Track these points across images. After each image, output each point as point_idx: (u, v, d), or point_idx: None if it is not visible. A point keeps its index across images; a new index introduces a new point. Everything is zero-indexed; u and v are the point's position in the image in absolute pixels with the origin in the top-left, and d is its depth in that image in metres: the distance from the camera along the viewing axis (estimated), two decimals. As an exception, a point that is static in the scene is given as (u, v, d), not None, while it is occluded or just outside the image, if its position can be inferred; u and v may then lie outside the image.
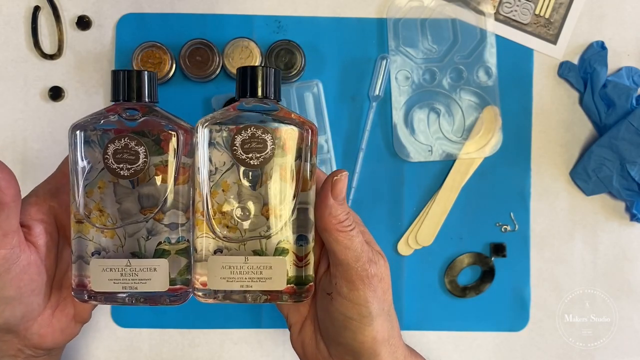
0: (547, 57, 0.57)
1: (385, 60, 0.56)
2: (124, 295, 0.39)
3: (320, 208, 0.38)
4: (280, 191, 0.38)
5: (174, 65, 0.55)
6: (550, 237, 0.57)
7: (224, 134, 0.38)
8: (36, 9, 0.56)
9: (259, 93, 0.39)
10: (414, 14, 0.56)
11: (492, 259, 0.57)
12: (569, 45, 0.57)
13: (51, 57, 0.56)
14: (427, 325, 0.57)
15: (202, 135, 0.38)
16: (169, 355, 0.57)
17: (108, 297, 0.39)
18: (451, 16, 0.56)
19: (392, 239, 0.57)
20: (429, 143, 0.56)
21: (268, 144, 0.37)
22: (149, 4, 0.56)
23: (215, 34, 0.55)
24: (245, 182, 0.38)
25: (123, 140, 0.37)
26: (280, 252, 0.38)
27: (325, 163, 0.56)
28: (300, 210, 0.39)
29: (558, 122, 0.57)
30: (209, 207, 0.38)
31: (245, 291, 0.38)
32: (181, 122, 0.40)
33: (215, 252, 0.38)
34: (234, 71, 0.54)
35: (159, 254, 0.38)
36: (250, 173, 0.38)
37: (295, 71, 0.54)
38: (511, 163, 0.57)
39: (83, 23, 0.56)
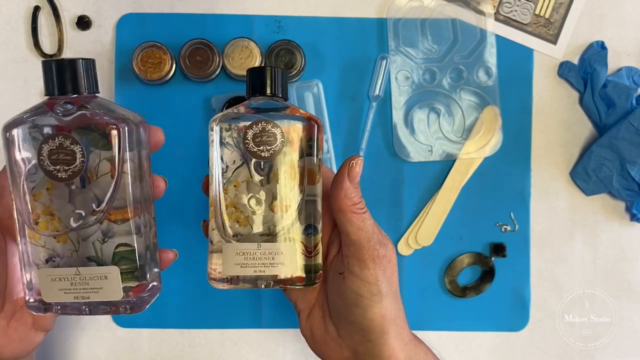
0: (547, 57, 0.57)
1: (385, 60, 0.56)
2: (80, 304, 0.36)
3: (337, 189, 0.40)
4: (289, 184, 0.40)
5: (174, 65, 0.54)
6: (550, 237, 0.57)
7: (234, 133, 0.39)
8: (36, 9, 0.56)
9: (268, 91, 0.41)
10: (414, 14, 0.56)
11: (492, 259, 0.57)
12: (569, 45, 0.57)
13: (51, 57, 0.56)
14: (427, 325, 0.57)
15: (215, 134, 0.39)
16: (169, 355, 0.57)
17: (63, 308, 0.36)
18: (451, 16, 0.56)
19: (392, 239, 0.56)
20: (429, 143, 0.56)
21: (277, 137, 0.39)
22: (149, 4, 0.56)
23: (215, 34, 0.55)
24: (256, 177, 0.40)
25: (57, 140, 0.34)
26: (289, 242, 0.41)
27: (325, 163, 0.56)
28: (308, 203, 0.41)
29: (558, 122, 0.57)
30: (222, 202, 0.40)
31: (257, 277, 0.40)
32: (126, 112, 0.37)
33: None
34: (234, 71, 0.54)
35: (118, 257, 0.36)
36: (261, 166, 0.40)
37: (295, 71, 0.54)
38: (511, 163, 0.57)
39: (83, 23, 0.56)
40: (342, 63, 0.56)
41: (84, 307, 0.36)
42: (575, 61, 0.57)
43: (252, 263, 0.39)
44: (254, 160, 0.39)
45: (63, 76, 0.35)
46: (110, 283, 0.36)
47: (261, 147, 0.39)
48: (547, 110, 0.57)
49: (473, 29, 0.56)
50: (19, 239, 0.36)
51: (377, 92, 0.56)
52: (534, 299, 0.57)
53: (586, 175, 0.56)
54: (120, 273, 0.36)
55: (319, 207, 0.41)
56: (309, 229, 0.41)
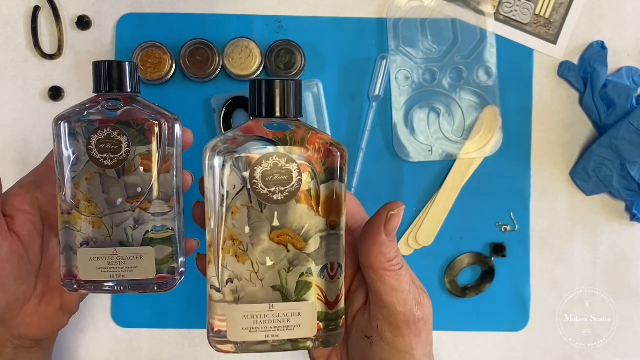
0: (547, 57, 0.57)
1: (385, 60, 0.56)
2: (112, 283, 0.39)
3: (369, 244, 0.33)
4: (307, 216, 0.33)
5: (174, 65, 0.55)
6: (550, 237, 0.57)
7: (235, 155, 0.32)
8: (36, 9, 0.56)
9: (278, 112, 0.32)
10: (414, 14, 0.56)
11: (492, 259, 0.57)
12: (569, 45, 0.57)
13: (51, 57, 0.56)
14: (427, 325, 0.57)
15: (215, 162, 0.32)
16: (169, 355, 0.57)
17: (97, 286, 0.39)
18: (451, 16, 0.56)
19: (392, 239, 0.57)
20: (429, 143, 0.56)
21: (294, 175, 0.32)
22: (149, 4, 0.56)
23: (215, 34, 0.55)
24: (265, 213, 0.33)
25: (106, 131, 0.38)
26: (306, 286, 0.34)
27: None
28: (330, 238, 0.33)
29: (558, 122, 0.57)
30: (220, 237, 0.33)
31: (270, 342, 0.33)
32: (164, 111, 0.40)
33: (227, 283, 0.33)
34: (234, 71, 0.54)
35: (147, 242, 0.39)
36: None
37: (295, 71, 0.54)
38: (511, 163, 0.57)
39: (83, 23, 0.56)
40: (342, 63, 0.56)
41: (115, 285, 0.39)
42: (575, 61, 0.57)
43: (263, 327, 0.33)
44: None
45: (112, 75, 0.39)
46: (145, 263, 0.38)
47: (273, 189, 0.31)
48: (547, 110, 0.57)
49: (473, 29, 0.56)
50: (59, 223, 0.39)
51: (377, 92, 0.56)
52: (534, 299, 0.57)
53: (586, 175, 0.56)
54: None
55: (343, 243, 0.34)
56: (331, 272, 0.34)
